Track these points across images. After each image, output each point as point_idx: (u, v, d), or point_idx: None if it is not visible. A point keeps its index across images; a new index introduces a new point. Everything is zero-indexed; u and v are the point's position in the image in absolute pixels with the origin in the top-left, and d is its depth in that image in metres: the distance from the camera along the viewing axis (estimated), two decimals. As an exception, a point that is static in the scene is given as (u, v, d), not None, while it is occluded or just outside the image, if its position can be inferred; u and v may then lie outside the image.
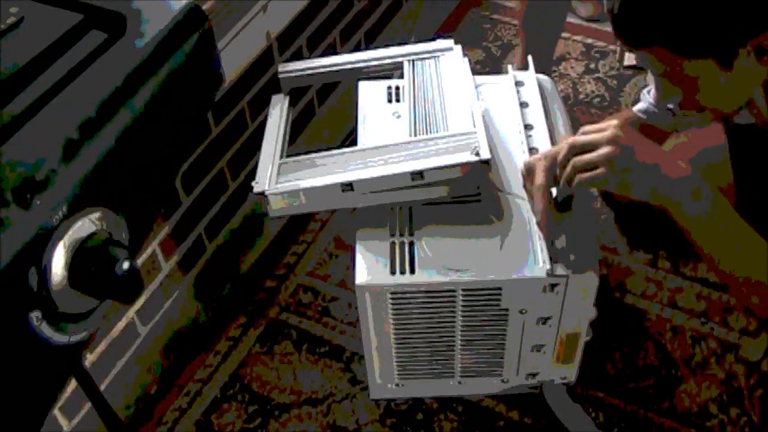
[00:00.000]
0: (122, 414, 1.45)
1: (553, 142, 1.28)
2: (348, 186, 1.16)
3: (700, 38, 0.93)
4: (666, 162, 0.98)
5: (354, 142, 1.32)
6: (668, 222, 1.00)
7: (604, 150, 0.98)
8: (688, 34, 0.94)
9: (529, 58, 1.44)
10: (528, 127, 1.32)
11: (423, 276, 1.15)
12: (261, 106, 1.58)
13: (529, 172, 1.11)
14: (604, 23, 2.15)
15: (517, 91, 1.38)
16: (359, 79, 1.43)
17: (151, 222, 1.06)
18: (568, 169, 1.01)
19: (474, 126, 1.22)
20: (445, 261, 1.16)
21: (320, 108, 1.85)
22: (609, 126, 1.00)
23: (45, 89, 0.73)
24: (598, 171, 0.97)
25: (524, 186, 1.15)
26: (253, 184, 1.20)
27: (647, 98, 1.35)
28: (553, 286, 1.14)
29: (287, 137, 1.32)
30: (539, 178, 1.07)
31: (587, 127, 1.03)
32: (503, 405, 1.43)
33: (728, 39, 0.93)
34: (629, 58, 2.03)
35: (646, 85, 1.38)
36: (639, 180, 0.98)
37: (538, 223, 1.12)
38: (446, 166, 1.15)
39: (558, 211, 1.12)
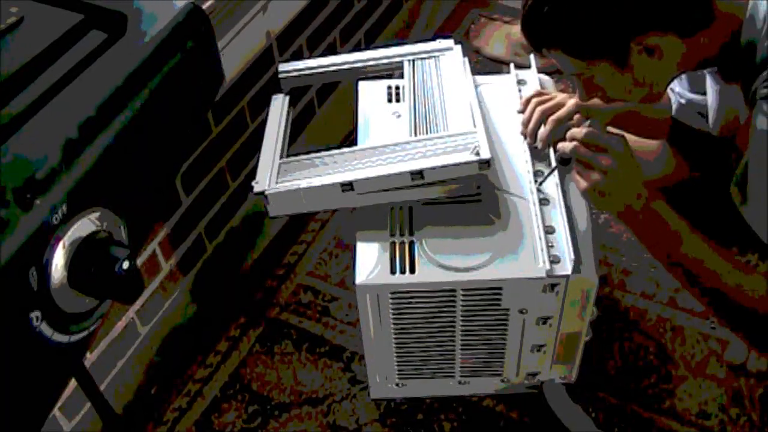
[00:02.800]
0: (122, 414, 1.45)
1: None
2: (348, 186, 1.16)
3: (587, 42, 1.02)
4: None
5: (354, 142, 1.32)
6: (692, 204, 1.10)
7: (606, 161, 1.07)
8: (577, 38, 1.03)
9: (531, 56, 1.44)
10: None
11: (423, 276, 1.15)
12: (261, 106, 1.58)
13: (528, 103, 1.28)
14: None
15: (519, 90, 1.38)
16: (359, 79, 1.43)
17: (151, 222, 1.06)
18: (568, 147, 1.11)
19: (474, 126, 1.22)
20: (445, 261, 1.16)
21: (320, 108, 1.85)
22: (619, 138, 1.09)
23: (45, 89, 0.73)
24: (596, 178, 1.08)
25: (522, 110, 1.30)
26: (253, 183, 1.20)
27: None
28: (553, 286, 1.14)
29: (287, 137, 1.32)
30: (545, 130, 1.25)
31: (598, 107, 1.17)
32: (503, 405, 1.43)
33: (611, 41, 1.01)
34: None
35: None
36: (613, 203, 1.09)
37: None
38: (446, 166, 1.15)
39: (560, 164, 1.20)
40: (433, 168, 1.15)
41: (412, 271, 1.15)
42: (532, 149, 1.27)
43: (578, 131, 1.11)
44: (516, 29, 2.11)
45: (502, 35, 2.11)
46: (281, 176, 1.21)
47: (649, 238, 1.12)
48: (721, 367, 1.46)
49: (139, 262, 1.40)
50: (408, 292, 1.17)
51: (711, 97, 1.18)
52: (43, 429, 0.78)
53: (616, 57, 1.03)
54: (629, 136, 1.13)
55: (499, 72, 1.45)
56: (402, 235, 1.20)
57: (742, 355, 1.46)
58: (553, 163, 1.22)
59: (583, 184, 1.09)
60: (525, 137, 1.28)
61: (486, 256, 1.16)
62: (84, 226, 0.71)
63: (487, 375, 1.32)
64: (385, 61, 1.41)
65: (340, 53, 1.75)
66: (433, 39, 1.44)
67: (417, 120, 1.27)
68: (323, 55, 1.68)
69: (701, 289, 1.09)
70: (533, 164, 1.25)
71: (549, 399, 1.36)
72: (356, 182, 1.16)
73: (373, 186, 1.17)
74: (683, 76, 1.27)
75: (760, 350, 1.14)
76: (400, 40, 2.04)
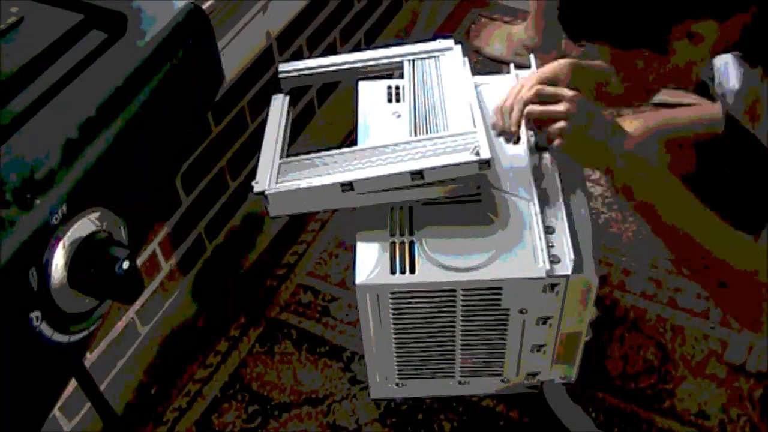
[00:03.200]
0: (122, 414, 1.45)
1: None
2: (348, 186, 1.16)
3: (627, 30, 1.03)
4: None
5: (354, 142, 1.32)
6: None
7: (562, 107, 1.11)
8: (618, 27, 1.03)
9: (531, 57, 1.44)
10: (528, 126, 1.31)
11: (423, 276, 1.15)
12: (261, 106, 1.58)
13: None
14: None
15: (517, 91, 1.38)
16: (359, 79, 1.43)
17: (151, 222, 1.06)
18: (535, 110, 1.15)
19: (474, 126, 1.22)
20: (445, 261, 1.16)
21: (320, 108, 1.85)
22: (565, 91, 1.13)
23: (45, 89, 0.73)
24: (560, 125, 1.10)
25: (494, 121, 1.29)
26: (253, 183, 1.20)
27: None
28: (553, 286, 1.14)
29: (287, 137, 1.32)
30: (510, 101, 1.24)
31: (543, 73, 1.21)
32: (503, 405, 1.43)
33: (653, 28, 1.01)
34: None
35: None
36: (589, 148, 1.11)
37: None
38: (446, 166, 1.15)
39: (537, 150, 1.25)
40: (433, 168, 1.15)
41: (412, 271, 1.15)
42: (531, 149, 1.27)
43: (526, 94, 1.14)
44: (516, 29, 2.12)
45: (503, 35, 2.11)
46: (281, 176, 1.21)
47: (633, 190, 1.11)
48: (721, 367, 1.46)
49: (139, 262, 1.40)
50: (408, 292, 1.17)
51: (733, 80, 1.17)
52: (43, 429, 0.78)
53: (656, 44, 1.03)
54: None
55: (499, 72, 1.45)
56: (402, 235, 1.20)
57: (741, 357, 1.46)
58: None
59: (556, 140, 1.11)
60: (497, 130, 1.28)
61: (486, 256, 1.16)
62: (84, 226, 0.71)
63: (487, 375, 1.32)
64: (385, 61, 1.41)
65: (340, 53, 1.75)
66: (433, 39, 1.44)
67: (417, 120, 1.27)
68: (323, 55, 1.68)
69: (685, 248, 1.10)
70: (533, 164, 1.26)
71: (549, 399, 1.36)
72: (356, 182, 1.16)
73: (373, 186, 1.17)
74: None
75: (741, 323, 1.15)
76: (400, 40, 2.04)
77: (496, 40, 2.12)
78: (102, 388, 1.32)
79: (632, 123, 1.38)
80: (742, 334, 1.49)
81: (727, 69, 1.23)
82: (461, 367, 1.30)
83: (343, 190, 1.17)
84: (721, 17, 1.00)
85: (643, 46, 1.04)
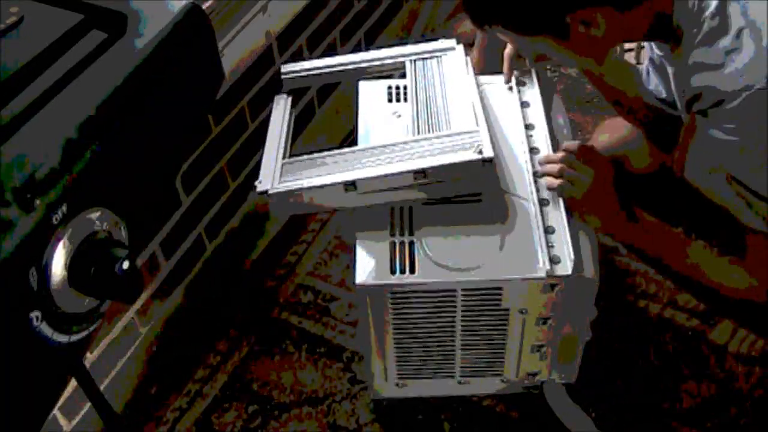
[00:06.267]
0: (122, 414, 1.45)
1: (553, 141, 1.28)
2: (351, 185, 1.16)
3: (524, 17, 1.06)
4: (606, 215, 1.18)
5: (354, 143, 1.32)
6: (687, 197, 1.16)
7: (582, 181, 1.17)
8: (514, 14, 1.06)
9: (527, 62, 1.44)
10: (528, 126, 1.32)
11: (423, 276, 1.15)
12: (261, 105, 1.58)
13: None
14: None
15: (518, 91, 1.38)
16: (359, 79, 1.43)
17: (151, 222, 1.06)
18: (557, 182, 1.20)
19: (477, 125, 1.22)
20: (445, 261, 1.16)
21: (320, 108, 1.85)
22: (593, 164, 1.18)
23: (45, 89, 0.73)
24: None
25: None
26: (256, 183, 1.20)
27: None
28: (553, 286, 1.14)
29: (290, 137, 1.32)
30: None
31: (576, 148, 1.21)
32: (503, 405, 1.43)
33: (548, 16, 1.04)
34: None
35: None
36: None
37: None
38: (449, 165, 1.15)
39: None
40: (436, 167, 1.15)
41: (412, 271, 1.15)
42: (532, 150, 1.27)
43: (550, 167, 1.19)
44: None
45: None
46: (284, 176, 1.21)
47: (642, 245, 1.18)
48: (721, 367, 1.46)
49: (139, 262, 1.40)
50: (408, 292, 1.17)
51: (672, 81, 1.19)
52: (43, 429, 0.78)
53: (556, 31, 1.04)
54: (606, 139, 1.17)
55: (499, 72, 1.45)
56: (402, 235, 1.19)
57: (724, 337, 1.47)
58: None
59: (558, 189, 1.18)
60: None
61: (486, 256, 1.16)
62: (84, 226, 0.71)
63: (487, 375, 1.32)
64: (389, 61, 1.41)
65: (340, 53, 1.75)
66: (435, 39, 1.44)
67: (419, 119, 1.27)
68: (323, 55, 1.68)
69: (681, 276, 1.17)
70: (533, 164, 1.26)
71: (549, 399, 1.36)
72: (359, 181, 1.16)
73: (376, 185, 1.17)
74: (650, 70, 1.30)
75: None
76: (401, 40, 2.04)
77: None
78: (102, 388, 1.32)
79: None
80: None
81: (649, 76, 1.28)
82: (461, 367, 1.30)
83: (345, 190, 1.17)
84: (619, 6, 1.02)
85: (543, 32, 1.05)
